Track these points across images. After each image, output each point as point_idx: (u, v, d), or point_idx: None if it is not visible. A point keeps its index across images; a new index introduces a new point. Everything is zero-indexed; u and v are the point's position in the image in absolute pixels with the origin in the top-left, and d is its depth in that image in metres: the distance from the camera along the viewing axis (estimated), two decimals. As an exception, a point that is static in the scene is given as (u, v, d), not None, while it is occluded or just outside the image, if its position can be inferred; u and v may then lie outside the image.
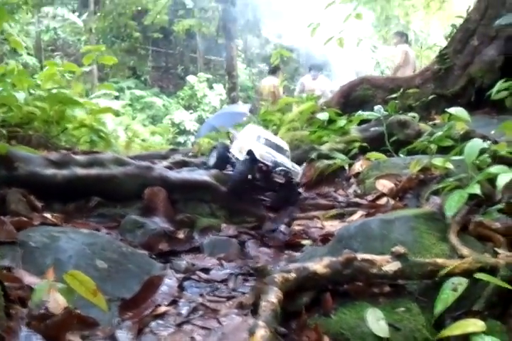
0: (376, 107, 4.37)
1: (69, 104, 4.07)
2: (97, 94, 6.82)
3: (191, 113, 21.35)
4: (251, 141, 3.72)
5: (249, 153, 3.60)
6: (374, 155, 3.84)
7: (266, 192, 3.94)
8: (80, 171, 3.28)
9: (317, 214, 3.37)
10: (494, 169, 2.80)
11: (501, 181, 2.65)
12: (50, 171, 3.21)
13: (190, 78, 22.43)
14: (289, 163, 3.71)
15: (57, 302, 2.12)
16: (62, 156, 3.31)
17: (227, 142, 4.25)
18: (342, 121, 4.49)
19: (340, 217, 3.26)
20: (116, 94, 17.50)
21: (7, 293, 2.06)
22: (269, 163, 3.57)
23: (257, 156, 3.54)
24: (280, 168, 3.58)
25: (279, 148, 3.81)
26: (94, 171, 3.31)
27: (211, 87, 22.26)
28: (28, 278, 2.22)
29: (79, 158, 3.35)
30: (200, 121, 19.69)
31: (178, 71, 24.52)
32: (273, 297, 2.02)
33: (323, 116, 4.57)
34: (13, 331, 1.83)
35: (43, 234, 2.57)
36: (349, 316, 2.22)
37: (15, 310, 2.02)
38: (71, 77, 5.43)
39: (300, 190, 3.95)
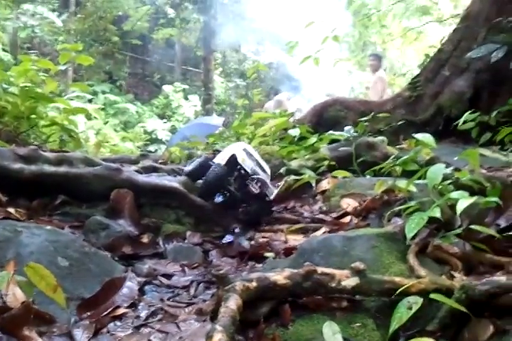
0: (346, 128, 4.48)
1: (41, 101, 4.03)
2: (70, 95, 6.75)
3: (165, 122, 21.24)
4: (236, 150, 3.68)
5: (232, 157, 3.59)
6: (340, 172, 3.92)
7: (239, 203, 3.81)
8: (48, 168, 3.26)
9: (282, 227, 3.41)
10: (455, 194, 2.90)
11: (461, 206, 2.74)
12: (18, 166, 3.18)
13: (166, 87, 22.38)
14: (267, 180, 3.66)
15: (15, 296, 2.10)
16: (31, 152, 3.29)
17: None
18: (313, 139, 4.58)
19: (305, 231, 3.30)
20: (90, 97, 17.37)
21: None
22: (248, 170, 3.54)
23: (239, 159, 3.52)
24: (257, 177, 3.56)
25: (260, 167, 3.75)
26: (62, 169, 3.29)
27: (186, 98, 22.25)
28: (-12, 271, 2.19)
29: (48, 154, 3.33)
30: (174, 131, 19.61)
31: (154, 79, 24.44)
32: (233, 304, 2.04)
33: (294, 132, 4.65)
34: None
35: (5, 228, 2.55)
36: (306, 328, 2.26)
37: (-29, 302, 2.00)
38: (45, 76, 5.37)
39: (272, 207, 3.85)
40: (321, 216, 3.53)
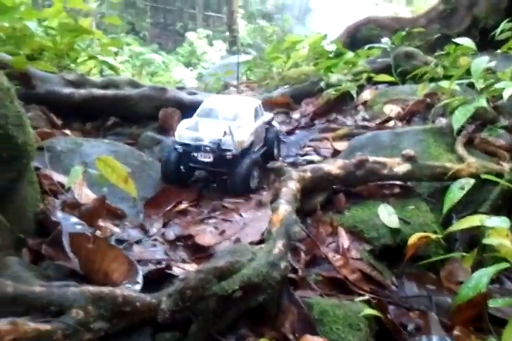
0: (383, 40, 4.42)
1: (80, 33, 4.09)
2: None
3: (191, 70, 21.12)
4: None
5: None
6: (383, 77, 3.92)
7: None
8: (97, 91, 3.37)
9: (327, 136, 3.47)
10: (500, 84, 2.89)
11: (507, 93, 2.73)
12: (68, 90, 3.30)
13: (190, 35, 22.07)
14: (221, 130, 2.78)
15: (87, 195, 2.25)
16: (79, 77, 3.39)
17: None
18: (350, 54, 4.54)
19: (349, 138, 3.35)
20: (115, 49, 17.31)
21: (41, 185, 2.19)
22: (190, 141, 2.80)
23: (176, 137, 2.84)
24: (199, 143, 2.78)
25: (226, 117, 2.96)
26: (110, 92, 3.40)
27: (211, 44, 21.97)
28: (57, 177, 2.34)
29: (94, 79, 3.43)
30: (200, 78, 19.51)
31: (177, 27, 24.13)
32: (292, 185, 2.14)
33: (330, 47, 4.61)
34: (51, 212, 1.95)
35: (67, 142, 2.69)
36: (361, 212, 2.35)
37: (48, 200, 2.15)
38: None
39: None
40: (365, 123, 3.57)
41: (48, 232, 1.81)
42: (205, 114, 2.98)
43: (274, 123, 3.38)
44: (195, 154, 2.78)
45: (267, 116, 3.29)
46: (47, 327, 1.36)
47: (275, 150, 3.26)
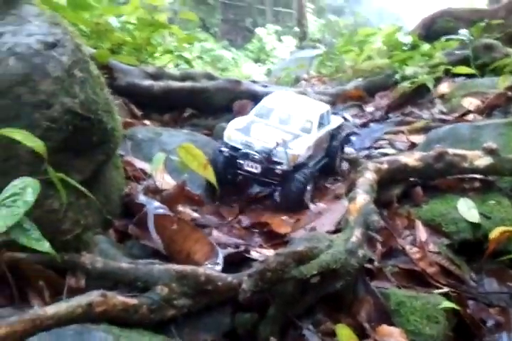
0: (462, 31, 4.29)
1: (159, 28, 4.22)
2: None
3: (260, 66, 21.26)
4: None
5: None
6: (462, 69, 3.79)
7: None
8: (174, 84, 3.48)
9: (402, 129, 3.41)
10: None
11: None
12: (147, 82, 3.42)
13: (259, 30, 22.22)
14: (273, 139, 2.49)
15: (167, 181, 2.33)
16: (158, 70, 3.52)
17: None
18: (426, 46, 4.43)
19: (426, 131, 3.28)
20: (187, 46, 17.68)
21: (125, 171, 2.29)
22: (239, 145, 2.53)
23: (225, 138, 2.59)
24: (246, 151, 2.48)
25: (285, 121, 2.68)
26: (187, 84, 3.51)
27: (280, 40, 22.02)
28: (139, 163, 2.44)
29: (172, 71, 3.54)
30: (269, 74, 19.63)
31: (246, 24, 24.36)
32: (369, 175, 2.13)
33: (406, 39, 4.51)
34: (135, 196, 2.03)
35: (147, 131, 2.79)
36: (440, 206, 2.30)
37: (131, 185, 2.24)
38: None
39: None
40: (442, 116, 3.48)
41: (133, 214, 1.89)
42: (263, 114, 2.70)
43: (347, 116, 3.33)
44: (242, 162, 2.48)
45: (335, 122, 2.99)
46: (134, 301, 1.43)
47: (337, 161, 2.92)
